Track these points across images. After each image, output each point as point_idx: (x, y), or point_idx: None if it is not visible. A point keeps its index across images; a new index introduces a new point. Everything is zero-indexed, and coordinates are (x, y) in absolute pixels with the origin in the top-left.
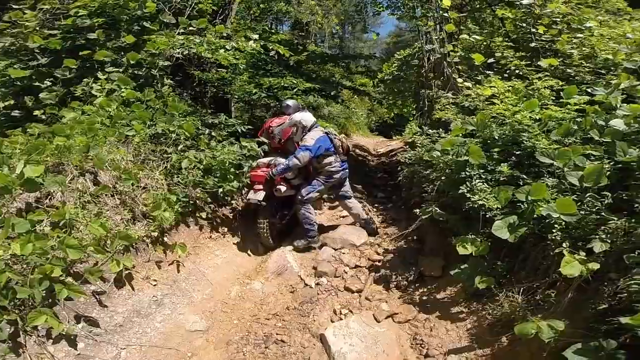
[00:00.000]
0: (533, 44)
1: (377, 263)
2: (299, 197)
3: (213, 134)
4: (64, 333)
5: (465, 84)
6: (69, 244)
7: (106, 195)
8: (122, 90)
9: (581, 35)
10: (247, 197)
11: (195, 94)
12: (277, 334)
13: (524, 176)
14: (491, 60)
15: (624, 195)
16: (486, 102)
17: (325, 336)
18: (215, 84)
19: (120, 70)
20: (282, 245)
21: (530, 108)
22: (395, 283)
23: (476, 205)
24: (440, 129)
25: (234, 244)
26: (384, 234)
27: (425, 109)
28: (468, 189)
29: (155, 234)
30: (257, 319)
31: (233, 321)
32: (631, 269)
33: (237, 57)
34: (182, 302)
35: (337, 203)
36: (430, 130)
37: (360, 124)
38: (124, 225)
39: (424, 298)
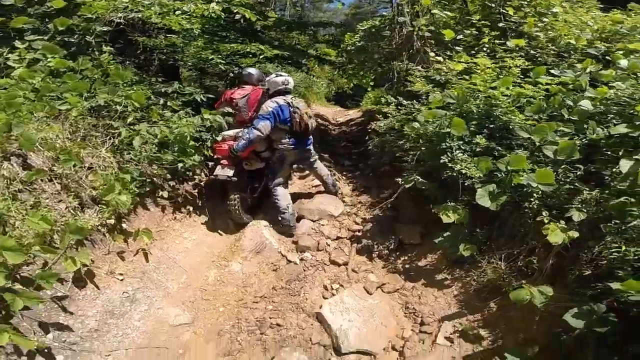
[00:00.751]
0: (501, 24)
1: (357, 233)
2: (269, 185)
3: (169, 103)
4: (35, 349)
5: (437, 58)
6: (5, 245)
7: (42, 180)
8: (49, 59)
9: (547, 20)
10: (215, 173)
11: (139, 63)
12: (270, 318)
13: (499, 148)
14: (460, 36)
15: (592, 168)
16: (458, 77)
17: (322, 314)
18: (165, 51)
19: (46, 38)
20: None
21: (506, 85)
22: (377, 253)
23: (457, 174)
24: (413, 101)
25: (202, 223)
26: (358, 203)
27: (395, 80)
28: (449, 159)
29: (112, 221)
30: (244, 304)
31: (218, 309)
32: (606, 237)
33: (192, 21)
34: (157, 294)
35: (307, 172)
36: (405, 102)
37: (320, 94)
38: (72, 214)
39: (407, 266)
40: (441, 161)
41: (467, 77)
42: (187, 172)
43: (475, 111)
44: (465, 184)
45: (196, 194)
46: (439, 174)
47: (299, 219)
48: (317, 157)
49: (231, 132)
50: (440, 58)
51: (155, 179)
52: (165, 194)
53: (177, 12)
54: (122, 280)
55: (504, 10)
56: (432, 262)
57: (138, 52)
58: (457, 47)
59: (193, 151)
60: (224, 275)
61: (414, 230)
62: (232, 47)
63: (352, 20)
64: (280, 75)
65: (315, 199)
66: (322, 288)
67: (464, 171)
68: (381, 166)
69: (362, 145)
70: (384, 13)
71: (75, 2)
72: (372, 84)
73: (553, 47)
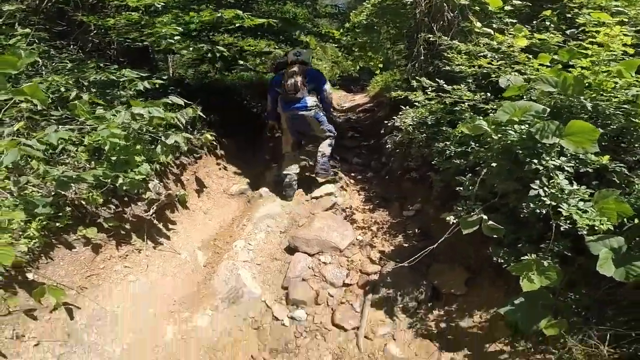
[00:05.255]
0: None
1: (372, 277)
2: None
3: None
4: None
5: (486, 30)
6: None
7: None
8: None
9: None
10: None
11: (94, 47)
12: None
13: (629, 173)
14: (507, 7)
15: None
16: (523, 55)
17: None
18: (123, 31)
19: None
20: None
21: (632, 69)
22: (401, 306)
23: (562, 221)
24: (442, 82)
25: (157, 258)
26: (373, 223)
27: (422, 57)
28: (545, 191)
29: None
30: None
31: None
32: None
33: None
34: None
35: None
36: (446, 86)
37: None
38: None
39: (443, 326)
40: (531, 193)
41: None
42: (136, 190)
43: (604, 110)
44: (563, 228)
45: (150, 217)
46: (515, 205)
47: (291, 250)
48: (328, 134)
49: None
50: (489, 31)
51: (82, 204)
52: (92, 231)
53: None
54: (36, 345)
55: None
56: (481, 324)
57: (89, 34)
58: (509, 20)
59: (139, 160)
60: (186, 332)
61: (456, 273)
62: (196, 16)
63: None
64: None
65: (314, 221)
66: None
67: (581, 221)
68: (404, 171)
69: (372, 137)
70: None
71: None
72: (380, 66)
73: None
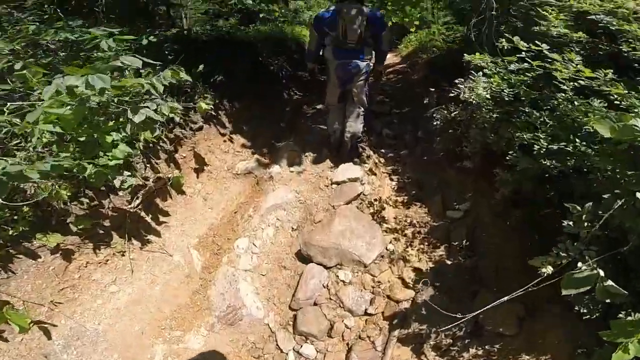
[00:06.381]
0: None
1: (403, 304)
2: None
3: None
4: None
5: None
6: None
7: None
8: None
9: None
10: None
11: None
12: None
13: None
14: None
15: None
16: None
17: None
18: None
19: None
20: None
21: None
22: (434, 343)
23: None
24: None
25: (145, 262)
26: (408, 224)
27: (492, 15)
28: None
29: None
30: None
31: None
32: None
33: None
34: None
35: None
36: (550, 54)
37: None
38: None
39: None
40: None
41: None
42: (112, 179)
43: None
44: None
45: (135, 209)
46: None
47: (303, 258)
48: (362, 102)
49: None
50: None
51: (46, 200)
52: (56, 237)
53: None
54: None
55: None
56: None
57: None
58: None
59: (112, 140)
60: (177, 354)
61: (508, 308)
62: None
63: None
64: None
65: (334, 222)
66: None
67: None
68: (452, 156)
69: (405, 103)
70: None
71: None
72: (417, 23)
73: None
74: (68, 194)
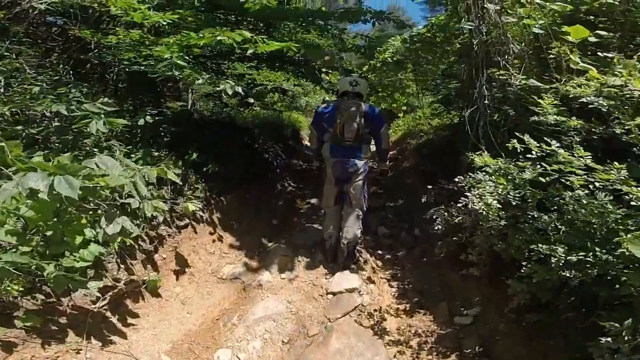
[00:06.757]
0: None
1: None
2: None
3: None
4: None
5: (587, 66)
6: None
7: None
8: None
9: None
10: None
11: (92, 69)
12: None
13: None
14: (592, 38)
15: None
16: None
17: None
18: (123, 51)
19: None
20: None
21: None
22: None
23: None
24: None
25: None
26: (412, 334)
27: (481, 104)
28: None
29: None
30: None
31: None
32: None
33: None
34: None
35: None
36: (558, 150)
37: None
38: None
39: None
40: None
41: None
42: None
43: None
44: None
45: (99, 309)
46: None
47: None
48: (360, 205)
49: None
50: (592, 68)
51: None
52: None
53: None
54: None
55: None
56: None
57: (88, 54)
58: (603, 52)
59: (80, 240)
60: None
61: None
62: (196, 39)
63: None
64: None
65: (331, 339)
66: None
67: None
68: (454, 261)
69: (398, 194)
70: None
71: None
72: (404, 109)
73: None
74: (20, 289)
